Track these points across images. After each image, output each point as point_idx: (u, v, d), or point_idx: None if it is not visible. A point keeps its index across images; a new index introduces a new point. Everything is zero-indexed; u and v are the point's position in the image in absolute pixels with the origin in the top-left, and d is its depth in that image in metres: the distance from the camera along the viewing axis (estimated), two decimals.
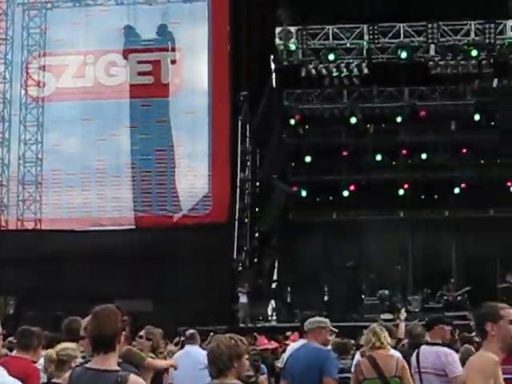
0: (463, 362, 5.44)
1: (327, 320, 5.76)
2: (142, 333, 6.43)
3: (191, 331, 8.10)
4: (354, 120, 18.85)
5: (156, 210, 16.96)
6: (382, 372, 5.68)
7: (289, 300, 19.08)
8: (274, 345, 9.97)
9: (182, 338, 8.99)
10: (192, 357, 7.26)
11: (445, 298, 18.53)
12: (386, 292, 17.68)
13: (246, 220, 17.77)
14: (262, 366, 8.84)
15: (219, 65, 17.04)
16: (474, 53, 17.92)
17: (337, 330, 6.30)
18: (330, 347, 6.49)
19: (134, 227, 17.05)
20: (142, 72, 17.03)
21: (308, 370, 5.32)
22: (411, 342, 6.66)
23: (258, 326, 16.08)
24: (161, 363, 6.16)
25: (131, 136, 16.94)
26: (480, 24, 17.84)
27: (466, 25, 18.01)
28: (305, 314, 6.51)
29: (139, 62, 17.06)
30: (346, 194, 20.07)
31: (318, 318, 5.86)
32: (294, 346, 6.92)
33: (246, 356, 3.79)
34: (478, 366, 3.35)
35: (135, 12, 16.96)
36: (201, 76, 17.09)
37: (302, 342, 6.19)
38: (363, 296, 18.28)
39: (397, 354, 5.97)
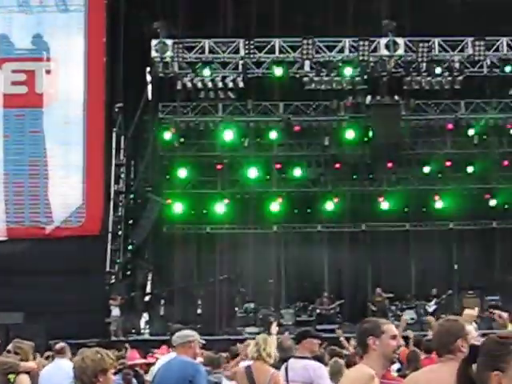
0: (332, 375, 7.95)
1: (195, 333, 7.80)
2: (9, 347, 8.38)
3: (61, 344, 10.54)
4: (228, 133, 25.51)
5: (28, 222, 22.71)
6: (255, 382, 7.60)
7: (162, 313, 25.63)
8: (143, 360, 13.15)
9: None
10: (62, 370, 9.47)
11: (317, 311, 25.68)
12: (252, 305, 24.57)
13: (120, 232, 24.06)
14: (134, 380, 11.52)
15: (95, 76, 23.25)
16: (348, 71, 24.91)
17: (204, 342, 8.31)
18: (201, 360, 8.99)
19: (5, 239, 22.62)
20: (16, 82, 22.84)
21: (179, 381, 7.22)
22: (281, 355, 8.42)
23: (131, 338, 22.16)
24: (31, 364, 8.41)
25: (4, 146, 22.65)
26: (354, 41, 24.96)
27: (340, 42, 25.27)
28: (173, 328, 9.07)
29: (13, 72, 22.88)
30: (220, 207, 26.82)
31: (186, 332, 7.88)
32: (163, 359, 9.31)
33: (112, 371, 5.03)
34: (354, 380, 4.59)
35: (10, 21, 22.75)
36: (76, 87, 23.20)
37: (171, 355, 8.36)
38: (236, 309, 25.05)
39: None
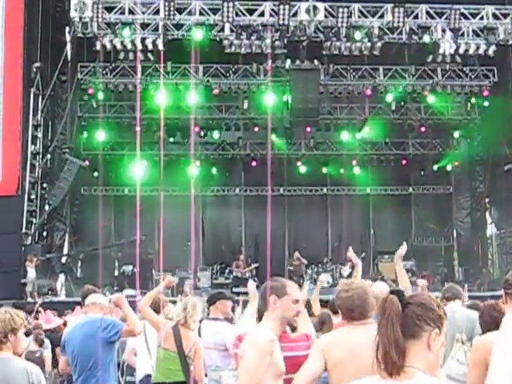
0: None
1: (103, 298, 8.45)
2: None
3: None
4: (147, 95, 27.60)
5: None
6: (181, 346, 8.19)
7: (79, 275, 27.71)
8: (58, 322, 14.08)
9: None
10: None
11: (233, 274, 28.11)
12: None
13: (36, 193, 25.94)
14: (46, 340, 12.52)
15: (12, 35, 25.13)
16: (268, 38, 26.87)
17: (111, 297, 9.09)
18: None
19: None
20: None
21: (87, 339, 7.73)
22: None
23: (46, 300, 24.04)
24: None
25: None
26: (275, 5, 26.60)
27: (260, 5, 27.11)
28: (85, 289, 9.01)
29: None
30: (139, 169, 29.03)
31: (95, 296, 8.34)
32: (73, 320, 9.98)
33: (23, 330, 5.41)
34: (255, 343, 4.93)
35: None
36: None
37: (82, 315, 8.86)
38: (153, 271, 27.34)
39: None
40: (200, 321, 8.84)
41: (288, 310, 5.16)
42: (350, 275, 27.53)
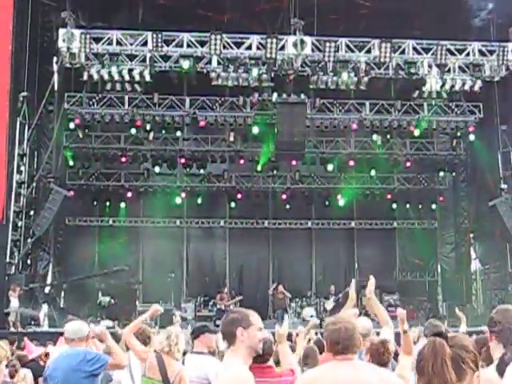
0: None
1: (86, 327, 8.35)
2: None
3: None
4: (133, 127, 27.76)
5: None
6: (166, 376, 8.02)
7: (62, 305, 27.66)
8: (39, 352, 13.69)
9: None
10: None
11: (217, 306, 28.13)
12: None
13: (21, 223, 26.00)
14: (23, 371, 11.96)
15: (0, 64, 24.98)
16: (255, 71, 27.08)
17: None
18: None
19: None
20: None
21: (71, 371, 7.72)
22: None
23: (29, 330, 24.09)
24: None
25: None
26: (262, 38, 26.61)
27: (248, 38, 27.33)
28: (68, 321, 9.31)
29: None
30: (123, 200, 29.11)
31: (78, 326, 8.30)
32: (57, 351, 10.03)
33: (5, 362, 5.85)
34: (241, 381, 4.94)
35: None
36: None
37: (66, 347, 8.61)
38: (136, 302, 27.35)
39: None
40: (184, 354, 8.75)
41: (254, 339, 5.17)
42: (333, 309, 27.67)
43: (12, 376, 11.65)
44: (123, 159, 29.43)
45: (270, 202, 31.73)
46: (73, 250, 29.30)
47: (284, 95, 27.73)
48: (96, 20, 26.99)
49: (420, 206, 32.52)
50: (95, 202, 30.41)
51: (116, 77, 26.72)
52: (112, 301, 26.90)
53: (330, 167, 31.07)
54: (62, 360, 7.99)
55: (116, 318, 25.88)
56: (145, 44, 26.49)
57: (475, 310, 30.03)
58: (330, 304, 28.34)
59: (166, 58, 27.04)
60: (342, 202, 31.80)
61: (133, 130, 28.51)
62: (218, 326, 11.65)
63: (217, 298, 28.66)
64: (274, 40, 26.27)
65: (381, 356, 6.79)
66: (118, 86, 27.21)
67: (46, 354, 12.88)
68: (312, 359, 8.82)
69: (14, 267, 25.94)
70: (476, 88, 27.53)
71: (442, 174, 32.33)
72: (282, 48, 26.65)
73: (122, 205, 30.44)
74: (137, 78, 26.88)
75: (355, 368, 4.87)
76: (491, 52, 26.98)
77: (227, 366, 5.20)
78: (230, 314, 5.36)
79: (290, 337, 10.22)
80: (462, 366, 3.08)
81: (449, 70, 27.22)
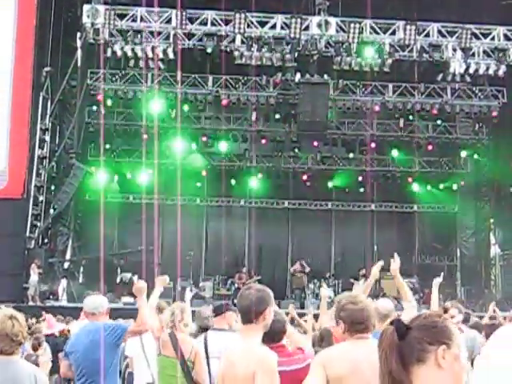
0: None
1: (104, 303, 8.37)
2: None
3: None
4: (156, 104, 27.76)
5: None
6: (181, 351, 8.06)
7: (81, 280, 27.81)
8: (59, 327, 14.31)
9: None
10: None
11: (235, 285, 28.20)
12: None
13: (42, 197, 26.11)
14: (45, 345, 12.08)
15: (24, 38, 25.35)
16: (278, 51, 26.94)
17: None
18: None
19: None
20: None
21: (92, 345, 7.72)
22: (200, 324, 9.09)
23: (48, 304, 24.29)
24: None
25: None
26: (286, 18, 26.74)
27: (272, 18, 27.32)
28: (88, 295, 9.10)
29: None
30: (144, 177, 29.18)
31: (96, 301, 8.33)
32: (78, 325, 10.01)
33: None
34: (270, 368, 4.89)
35: None
36: (4, 49, 25.05)
37: (86, 321, 8.79)
38: (155, 280, 27.44)
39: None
40: (204, 330, 8.73)
41: (271, 319, 5.16)
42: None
43: (35, 349, 11.74)
44: (145, 136, 29.50)
45: (291, 182, 31.73)
46: (93, 225, 29.33)
47: (307, 75, 27.41)
48: None
49: (441, 190, 32.45)
50: (116, 179, 30.54)
51: (139, 54, 26.78)
52: (133, 277, 26.97)
53: (351, 149, 31.05)
54: (82, 334, 8.03)
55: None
56: (169, 21, 26.56)
57: (493, 295, 29.96)
58: (361, 286, 28.32)
59: (189, 35, 27.06)
60: (362, 185, 31.79)
61: (155, 108, 28.45)
62: (235, 304, 11.80)
63: (235, 277, 28.75)
64: (299, 20, 26.29)
65: None
66: (141, 63, 27.26)
67: (69, 330, 13.10)
68: (326, 341, 8.46)
69: (33, 242, 26.15)
70: (500, 72, 27.36)
71: (463, 157, 32.24)
72: (306, 28, 26.70)
73: (143, 182, 30.53)
74: (160, 55, 26.93)
75: (370, 346, 4.78)
76: None
77: (254, 345, 5.08)
78: (256, 292, 5.16)
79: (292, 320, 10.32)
80: (418, 346, 2.96)
81: (473, 54, 27.08)
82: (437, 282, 9.12)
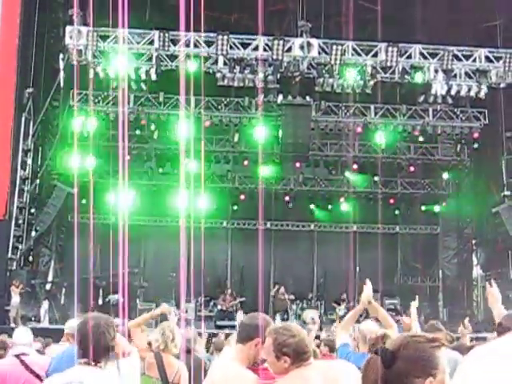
0: None
1: None
2: None
3: None
4: (138, 126, 27.93)
5: None
6: (165, 373, 8.18)
7: (63, 302, 27.83)
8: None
9: None
10: None
11: (218, 307, 28.36)
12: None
13: (23, 219, 26.17)
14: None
15: (6, 59, 25.38)
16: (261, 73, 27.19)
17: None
18: None
19: None
20: None
21: None
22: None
23: (30, 326, 24.23)
24: None
25: None
26: (269, 40, 26.91)
27: (255, 39, 27.60)
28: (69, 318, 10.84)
29: None
30: (126, 198, 29.37)
31: (74, 323, 8.10)
32: (57, 349, 9.67)
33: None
34: None
35: None
36: None
37: (66, 345, 8.80)
38: (137, 301, 27.54)
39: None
40: (188, 352, 8.88)
41: (258, 356, 5.30)
42: (345, 315, 27.73)
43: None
44: (127, 157, 29.68)
45: (273, 203, 31.96)
46: (74, 247, 29.46)
47: (289, 97, 27.65)
48: (102, 18, 27.11)
49: (423, 211, 32.73)
50: (98, 200, 30.56)
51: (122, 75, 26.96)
52: (121, 299, 27.00)
53: (333, 170, 31.30)
54: (64, 358, 7.64)
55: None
56: (151, 43, 26.76)
57: (475, 316, 30.21)
58: (342, 310, 28.42)
59: (172, 57, 27.27)
60: (344, 206, 32.06)
61: (137, 130, 28.64)
62: (218, 326, 11.89)
63: (219, 298, 28.88)
64: (281, 42, 26.45)
65: None
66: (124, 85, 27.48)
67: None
68: None
69: (15, 263, 26.21)
70: (481, 94, 27.67)
71: (445, 179, 32.59)
72: (289, 50, 26.85)
73: (126, 203, 30.64)
74: (143, 76, 27.10)
75: (317, 369, 5.00)
76: (498, 58, 27.15)
77: (237, 368, 5.22)
78: (256, 319, 5.38)
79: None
80: (403, 380, 2.95)
81: (455, 76, 27.39)
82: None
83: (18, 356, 8.55)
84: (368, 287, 8.33)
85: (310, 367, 5.05)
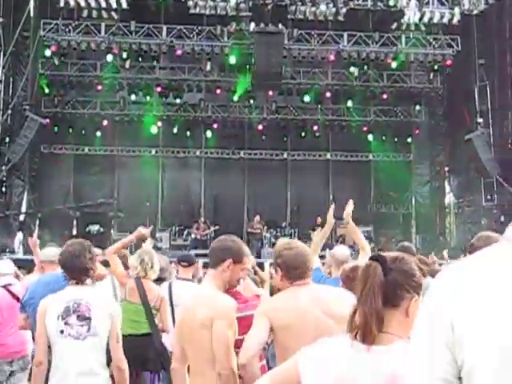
0: None
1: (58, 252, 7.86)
2: None
3: None
4: (109, 55, 27.88)
5: None
6: (147, 299, 8.43)
7: (37, 233, 28.11)
8: None
9: None
10: None
11: (192, 236, 28.72)
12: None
13: None
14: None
15: None
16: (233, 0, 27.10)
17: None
18: None
19: None
20: None
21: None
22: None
23: (4, 257, 24.48)
24: None
25: None
26: None
27: None
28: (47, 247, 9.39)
29: None
30: (99, 129, 29.51)
31: (52, 250, 8.39)
32: (31, 278, 9.47)
33: None
34: (229, 316, 5.09)
35: None
36: None
37: (38, 275, 8.93)
38: (112, 231, 27.88)
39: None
40: (159, 280, 9.07)
41: (234, 276, 5.35)
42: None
43: None
44: (99, 87, 29.69)
45: (246, 132, 32.25)
46: (48, 177, 29.75)
47: (262, 25, 27.36)
48: None
49: (396, 139, 33.02)
50: (71, 130, 30.75)
51: (93, 4, 26.86)
52: (100, 229, 27.30)
53: (306, 98, 31.40)
54: (39, 285, 7.74)
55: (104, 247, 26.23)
56: None
57: (448, 243, 30.80)
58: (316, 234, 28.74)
59: None
60: (318, 134, 32.27)
61: (109, 58, 28.48)
62: (195, 255, 12.23)
63: (193, 227, 29.19)
64: None
65: (351, 282, 6.52)
66: (95, 14, 27.39)
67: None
68: None
69: None
70: (454, 21, 27.85)
71: (418, 107, 32.76)
72: None
73: (98, 133, 30.83)
74: (114, 5, 27.01)
75: (312, 292, 5.09)
76: None
77: (214, 291, 5.30)
78: (226, 241, 5.43)
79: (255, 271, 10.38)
80: (397, 291, 3.13)
81: (427, 3, 27.48)
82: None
83: (4, 286, 8.95)
84: (350, 205, 8.65)
85: (304, 288, 5.13)
